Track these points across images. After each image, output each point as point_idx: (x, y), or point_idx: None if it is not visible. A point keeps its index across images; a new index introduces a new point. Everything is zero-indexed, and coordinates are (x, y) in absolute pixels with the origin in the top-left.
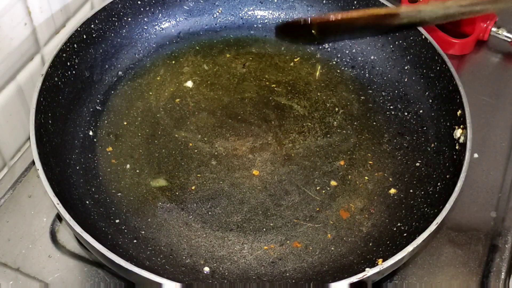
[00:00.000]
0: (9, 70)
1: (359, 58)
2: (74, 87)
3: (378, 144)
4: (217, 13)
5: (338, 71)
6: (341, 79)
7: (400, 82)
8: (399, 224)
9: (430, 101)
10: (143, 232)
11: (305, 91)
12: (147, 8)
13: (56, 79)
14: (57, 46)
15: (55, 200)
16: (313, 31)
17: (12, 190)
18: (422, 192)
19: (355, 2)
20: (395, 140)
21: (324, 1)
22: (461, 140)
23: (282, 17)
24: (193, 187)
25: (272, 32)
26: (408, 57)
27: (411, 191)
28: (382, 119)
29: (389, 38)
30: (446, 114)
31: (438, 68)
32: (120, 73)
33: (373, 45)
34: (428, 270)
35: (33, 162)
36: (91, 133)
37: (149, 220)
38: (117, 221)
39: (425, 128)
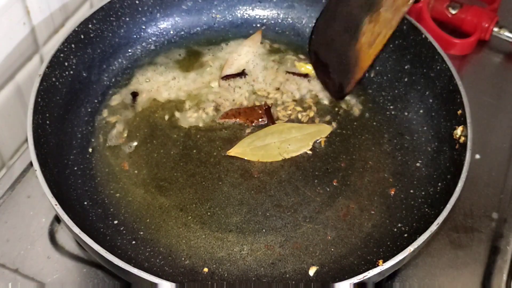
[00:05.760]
0: (8, 70)
1: None
2: (72, 87)
3: (378, 144)
4: (216, 13)
5: None
6: None
7: (400, 82)
8: (399, 225)
9: (430, 100)
10: (141, 233)
11: None
12: (145, 8)
13: (53, 79)
14: (55, 46)
15: (53, 201)
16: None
17: (11, 191)
18: (423, 193)
19: None
20: (395, 140)
21: (323, 1)
22: (461, 140)
23: (281, 16)
24: (192, 188)
25: (271, 32)
26: (408, 57)
27: (411, 191)
28: (382, 119)
29: (389, 38)
30: (447, 114)
31: (438, 67)
32: (118, 73)
33: None
34: (429, 271)
35: (32, 163)
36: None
37: (147, 221)
38: (115, 222)
39: (425, 128)
